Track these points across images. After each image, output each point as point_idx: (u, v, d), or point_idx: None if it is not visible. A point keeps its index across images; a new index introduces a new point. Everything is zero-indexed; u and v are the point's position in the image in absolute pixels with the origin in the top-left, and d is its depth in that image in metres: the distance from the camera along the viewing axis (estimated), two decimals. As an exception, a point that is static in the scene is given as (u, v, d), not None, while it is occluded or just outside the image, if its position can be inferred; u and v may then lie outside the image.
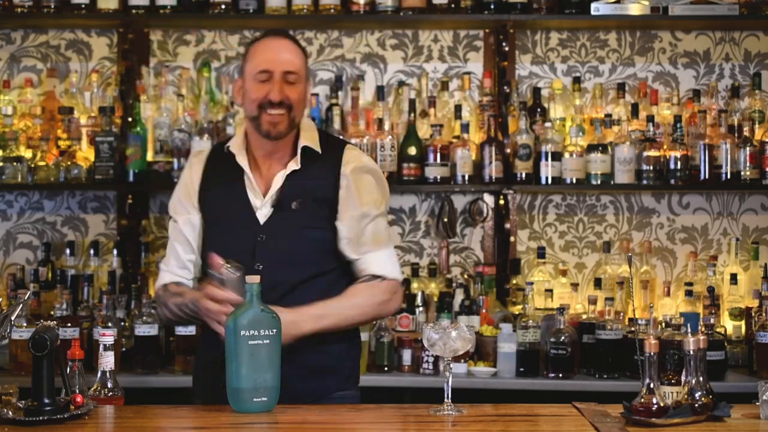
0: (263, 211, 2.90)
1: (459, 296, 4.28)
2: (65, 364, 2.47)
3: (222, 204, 2.94)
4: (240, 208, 2.91)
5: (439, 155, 4.31)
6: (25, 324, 3.81)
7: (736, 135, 4.34)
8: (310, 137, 2.96)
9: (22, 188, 4.45)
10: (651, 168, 4.30)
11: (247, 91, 2.91)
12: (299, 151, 2.92)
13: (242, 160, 2.94)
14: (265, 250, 2.86)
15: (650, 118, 4.35)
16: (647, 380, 2.33)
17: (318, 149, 2.94)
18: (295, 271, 2.84)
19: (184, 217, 2.99)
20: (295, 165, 2.91)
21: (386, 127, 4.37)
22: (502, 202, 4.44)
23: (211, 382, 2.81)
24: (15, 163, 4.29)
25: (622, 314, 4.16)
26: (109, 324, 3.87)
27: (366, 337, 3.95)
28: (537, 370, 4.01)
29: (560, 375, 3.95)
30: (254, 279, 2.47)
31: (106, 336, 2.50)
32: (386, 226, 2.98)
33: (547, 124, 4.37)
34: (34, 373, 2.34)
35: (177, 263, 2.99)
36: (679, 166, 4.28)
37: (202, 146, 4.27)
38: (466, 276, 4.49)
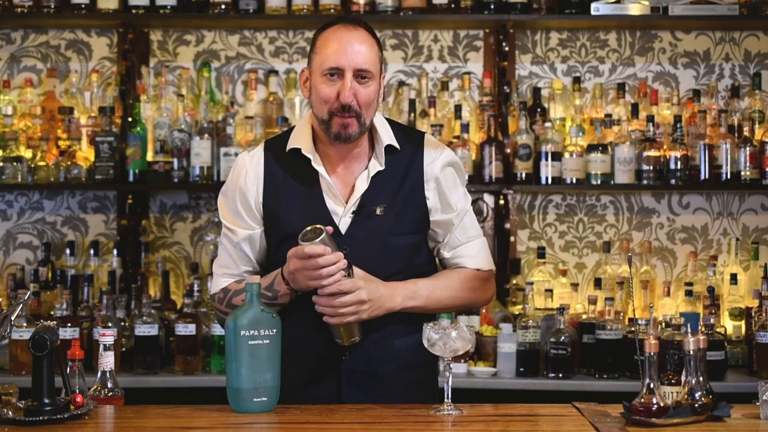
0: (345, 219, 2.64)
1: (459, 296, 4.28)
2: (65, 364, 2.46)
3: (295, 214, 2.63)
4: (318, 217, 2.61)
5: (439, 155, 4.30)
6: (25, 324, 3.81)
7: (736, 135, 4.34)
8: (387, 132, 2.69)
9: (22, 188, 4.45)
10: (651, 168, 4.30)
11: (315, 88, 2.62)
12: (382, 149, 2.67)
13: (318, 163, 2.65)
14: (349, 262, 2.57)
15: (650, 118, 4.35)
16: (647, 380, 2.32)
17: (397, 146, 2.68)
18: (381, 276, 2.61)
19: (244, 232, 2.70)
20: (378, 166, 2.66)
21: (386, 127, 4.36)
22: (502, 202, 4.44)
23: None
24: (15, 163, 4.29)
25: (622, 314, 4.16)
26: (109, 324, 3.87)
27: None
28: (537, 370, 4.01)
29: (560, 375, 3.95)
30: (254, 279, 2.46)
31: (106, 336, 2.50)
32: (473, 217, 2.77)
33: (547, 124, 4.37)
34: (34, 373, 2.34)
35: (236, 271, 2.73)
36: (679, 166, 4.29)
37: (202, 146, 4.28)
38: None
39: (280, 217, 2.67)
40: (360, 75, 2.58)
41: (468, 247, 2.75)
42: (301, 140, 2.69)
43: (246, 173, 2.71)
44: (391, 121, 2.77)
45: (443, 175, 2.71)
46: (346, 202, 2.66)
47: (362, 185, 2.66)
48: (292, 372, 2.60)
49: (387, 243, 2.65)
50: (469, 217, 2.76)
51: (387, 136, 2.68)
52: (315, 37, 2.67)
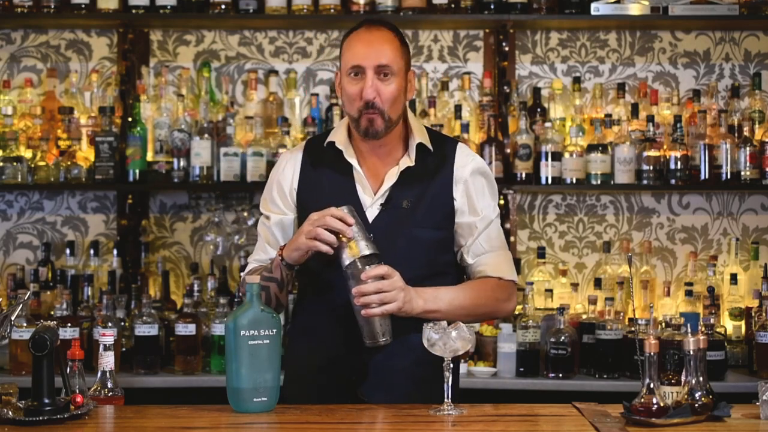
0: (372, 210, 2.76)
1: (459, 296, 4.28)
2: (65, 364, 2.46)
3: (328, 201, 2.71)
4: (348, 204, 2.71)
5: (439, 155, 4.31)
6: (25, 324, 3.81)
7: (736, 135, 4.34)
8: (420, 133, 2.80)
9: (22, 188, 4.45)
10: (651, 168, 4.30)
11: (343, 89, 2.74)
12: (414, 147, 2.77)
13: (350, 156, 2.78)
14: None
15: (650, 118, 4.35)
16: (647, 380, 2.32)
17: (430, 146, 2.79)
18: (406, 271, 2.64)
19: (276, 217, 2.83)
20: (408, 162, 2.77)
21: (386, 127, 4.37)
22: (502, 202, 4.43)
23: (296, 379, 2.79)
24: (15, 163, 4.29)
25: (622, 314, 4.16)
26: (109, 324, 3.87)
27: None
28: (537, 370, 4.01)
29: (560, 375, 3.96)
30: (254, 279, 2.46)
31: (106, 336, 2.50)
32: (499, 229, 2.85)
33: (547, 124, 4.37)
34: (34, 373, 2.34)
35: (264, 257, 2.84)
36: (679, 166, 4.28)
37: (202, 146, 4.28)
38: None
39: (313, 204, 2.74)
40: (381, 72, 2.69)
41: (492, 257, 2.81)
42: (337, 135, 2.82)
43: (284, 166, 2.86)
44: (429, 128, 2.89)
45: (473, 179, 2.80)
46: (375, 194, 2.76)
47: (391, 179, 2.76)
48: (309, 361, 2.71)
49: (411, 235, 2.73)
50: (495, 228, 2.83)
51: (420, 135, 2.80)
52: (342, 40, 2.79)
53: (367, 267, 2.57)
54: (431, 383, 2.65)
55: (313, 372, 2.74)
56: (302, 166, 2.84)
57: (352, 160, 2.78)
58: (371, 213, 2.75)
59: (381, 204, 2.76)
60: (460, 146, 2.85)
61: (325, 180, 2.80)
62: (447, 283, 2.78)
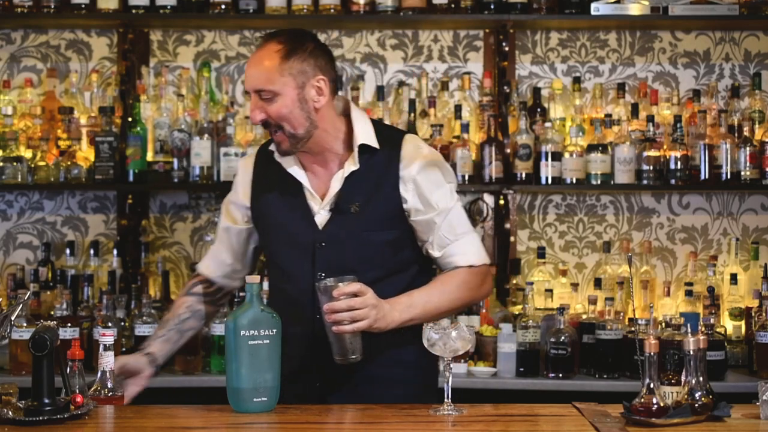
0: (321, 216, 2.74)
1: (459, 296, 4.28)
2: (65, 364, 2.46)
3: (277, 209, 2.78)
4: (297, 212, 2.75)
5: (439, 155, 4.30)
6: (25, 324, 3.81)
7: (736, 135, 4.34)
8: (365, 132, 2.74)
9: (22, 188, 4.45)
10: (651, 168, 4.30)
11: None
12: (356, 149, 2.72)
13: (289, 165, 2.77)
14: (325, 257, 2.71)
15: (650, 118, 4.35)
16: (647, 380, 2.32)
17: (375, 144, 2.74)
18: (362, 274, 2.62)
19: (235, 227, 2.90)
20: (353, 165, 2.72)
21: (386, 127, 4.36)
22: (502, 202, 4.44)
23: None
24: (15, 163, 4.29)
25: (622, 314, 4.16)
26: (109, 324, 3.87)
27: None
28: (537, 370, 4.01)
29: (560, 375, 3.95)
30: (254, 279, 2.46)
31: (106, 336, 2.50)
32: (460, 214, 2.78)
33: (547, 124, 4.37)
34: (34, 373, 2.34)
35: (222, 262, 2.94)
36: (679, 166, 4.28)
37: (202, 146, 4.28)
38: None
39: (268, 211, 2.81)
40: (261, 96, 2.69)
41: (458, 245, 2.76)
42: None
43: (240, 173, 2.92)
44: (374, 121, 2.82)
45: (422, 176, 2.74)
46: (323, 200, 2.74)
47: (336, 185, 2.73)
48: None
49: (363, 239, 2.71)
50: (455, 215, 2.77)
51: (363, 136, 2.74)
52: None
53: (339, 284, 2.55)
54: (402, 383, 2.70)
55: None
56: (254, 175, 2.86)
57: (293, 170, 2.77)
58: (320, 219, 2.74)
59: (330, 210, 2.74)
60: (406, 140, 2.78)
61: (274, 188, 2.80)
62: (408, 279, 2.76)
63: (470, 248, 2.78)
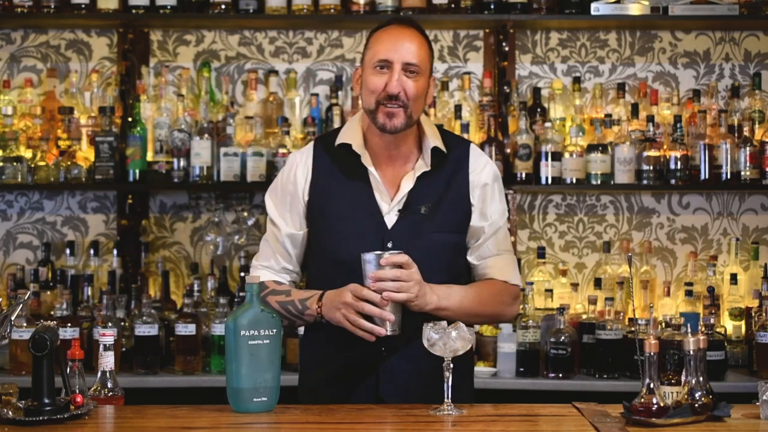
0: (390, 216, 2.74)
1: (459, 296, 4.28)
2: (65, 364, 2.46)
3: (343, 204, 2.74)
4: (366, 211, 2.74)
5: (439, 155, 4.30)
6: (25, 324, 3.81)
7: (736, 135, 4.34)
8: (434, 135, 2.80)
9: (22, 188, 4.45)
10: (651, 168, 4.30)
11: (365, 81, 2.72)
12: (429, 151, 2.76)
13: (366, 160, 2.76)
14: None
15: (650, 118, 4.35)
16: (647, 380, 2.32)
17: (444, 149, 2.79)
18: (427, 276, 2.63)
19: (287, 231, 2.81)
20: (424, 166, 2.75)
21: (386, 127, 4.36)
22: (502, 202, 4.43)
23: (313, 383, 2.80)
24: (15, 163, 4.29)
25: (622, 314, 4.16)
26: (109, 324, 3.87)
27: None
28: (537, 370, 4.01)
29: (560, 375, 3.96)
30: (254, 279, 2.46)
31: (106, 336, 2.50)
32: (507, 233, 2.86)
33: (547, 124, 4.37)
34: (34, 373, 2.34)
35: (276, 266, 2.83)
36: (679, 166, 4.29)
37: (202, 146, 4.28)
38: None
39: (329, 211, 2.76)
40: (408, 69, 2.68)
41: (498, 260, 2.82)
42: (351, 137, 2.79)
43: (295, 171, 2.82)
44: (439, 127, 2.90)
45: (488, 186, 2.81)
46: (392, 200, 2.75)
47: (408, 184, 2.75)
48: (330, 369, 2.73)
49: (431, 240, 2.72)
50: (503, 233, 2.84)
51: (434, 139, 2.79)
52: (369, 35, 2.78)
53: (386, 253, 2.59)
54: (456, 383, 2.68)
55: (331, 378, 2.75)
56: (314, 169, 2.80)
57: (368, 164, 2.76)
58: (389, 219, 2.74)
59: (399, 210, 2.74)
60: (473, 148, 2.85)
61: (339, 187, 2.77)
62: (467, 283, 2.79)
63: (508, 267, 2.84)
